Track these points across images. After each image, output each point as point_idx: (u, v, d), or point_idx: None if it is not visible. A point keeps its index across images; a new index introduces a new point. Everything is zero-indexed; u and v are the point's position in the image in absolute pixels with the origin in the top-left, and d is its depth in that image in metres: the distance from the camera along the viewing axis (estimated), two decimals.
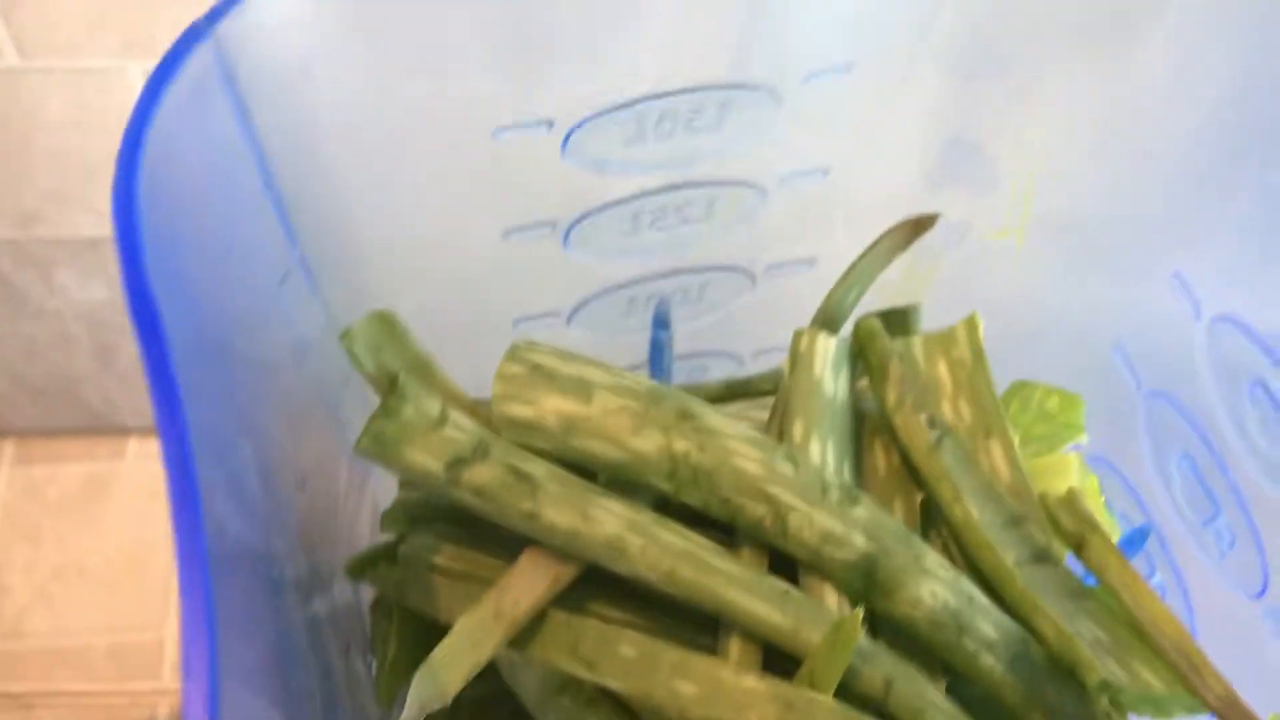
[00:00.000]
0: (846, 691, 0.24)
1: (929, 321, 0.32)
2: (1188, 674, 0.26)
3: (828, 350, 0.29)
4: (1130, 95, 0.28)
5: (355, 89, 0.24)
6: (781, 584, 0.26)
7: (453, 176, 0.26)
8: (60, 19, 0.55)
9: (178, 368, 0.17)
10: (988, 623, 0.26)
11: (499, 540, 0.28)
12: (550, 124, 0.26)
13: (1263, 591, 0.27)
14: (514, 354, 0.27)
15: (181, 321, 0.18)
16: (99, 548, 0.78)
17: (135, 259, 0.17)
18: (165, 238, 0.18)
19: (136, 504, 0.80)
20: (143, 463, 0.82)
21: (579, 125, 0.26)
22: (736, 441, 0.26)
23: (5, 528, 0.78)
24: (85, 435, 0.82)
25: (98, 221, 0.65)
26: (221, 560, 0.18)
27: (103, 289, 0.70)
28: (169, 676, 0.73)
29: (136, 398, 0.80)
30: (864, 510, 0.26)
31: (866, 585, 0.26)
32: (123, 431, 0.82)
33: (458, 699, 0.32)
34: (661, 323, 0.32)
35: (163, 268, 0.18)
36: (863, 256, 0.31)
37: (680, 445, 0.26)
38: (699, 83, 0.26)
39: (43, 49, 0.55)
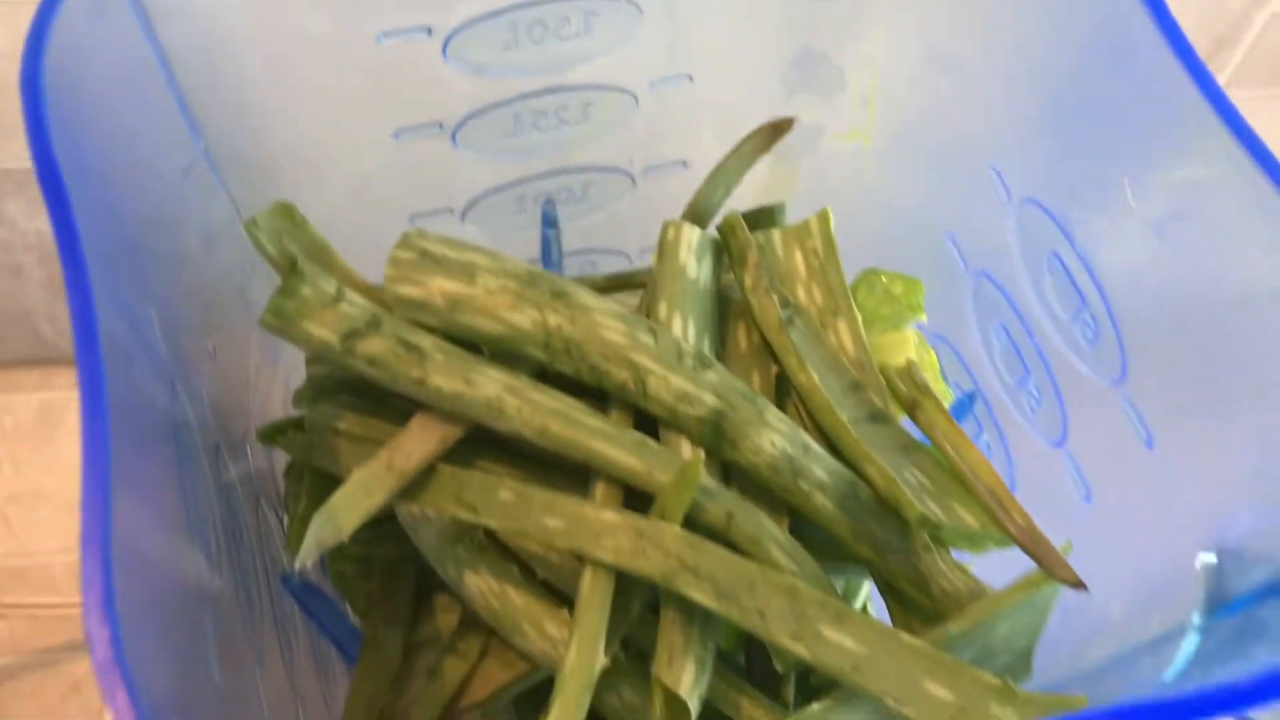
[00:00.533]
0: (693, 524, 0.28)
1: (795, 219, 0.35)
2: (996, 511, 0.29)
3: (691, 239, 0.32)
4: (954, 14, 0.31)
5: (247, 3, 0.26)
6: (640, 435, 0.29)
7: (343, 79, 0.29)
8: None
9: (86, 242, 0.20)
10: (820, 468, 0.29)
11: (395, 410, 0.31)
12: (429, 30, 0.29)
13: (1063, 440, 0.30)
14: (405, 241, 0.30)
15: (90, 204, 0.21)
16: (56, 473, 0.80)
17: (42, 136, 0.20)
18: (71, 121, 0.21)
19: None
20: None
21: (455, 32, 0.29)
22: (604, 315, 0.30)
23: None
24: (39, 365, 0.84)
25: None
26: (129, 415, 0.20)
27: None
28: None
29: None
30: (714, 374, 0.30)
31: (715, 437, 0.29)
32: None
33: (371, 561, 0.35)
34: (549, 221, 0.35)
35: (69, 151, 0.20)
36: (727, 157, 0.34)
37: (553, 319, 0.29)
38: None
39: None
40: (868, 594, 0.35)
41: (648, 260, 0.40)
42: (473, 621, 0.33)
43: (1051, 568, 0.28)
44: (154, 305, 0.24)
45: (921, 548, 0.29)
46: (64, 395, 0.83)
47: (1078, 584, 0.27)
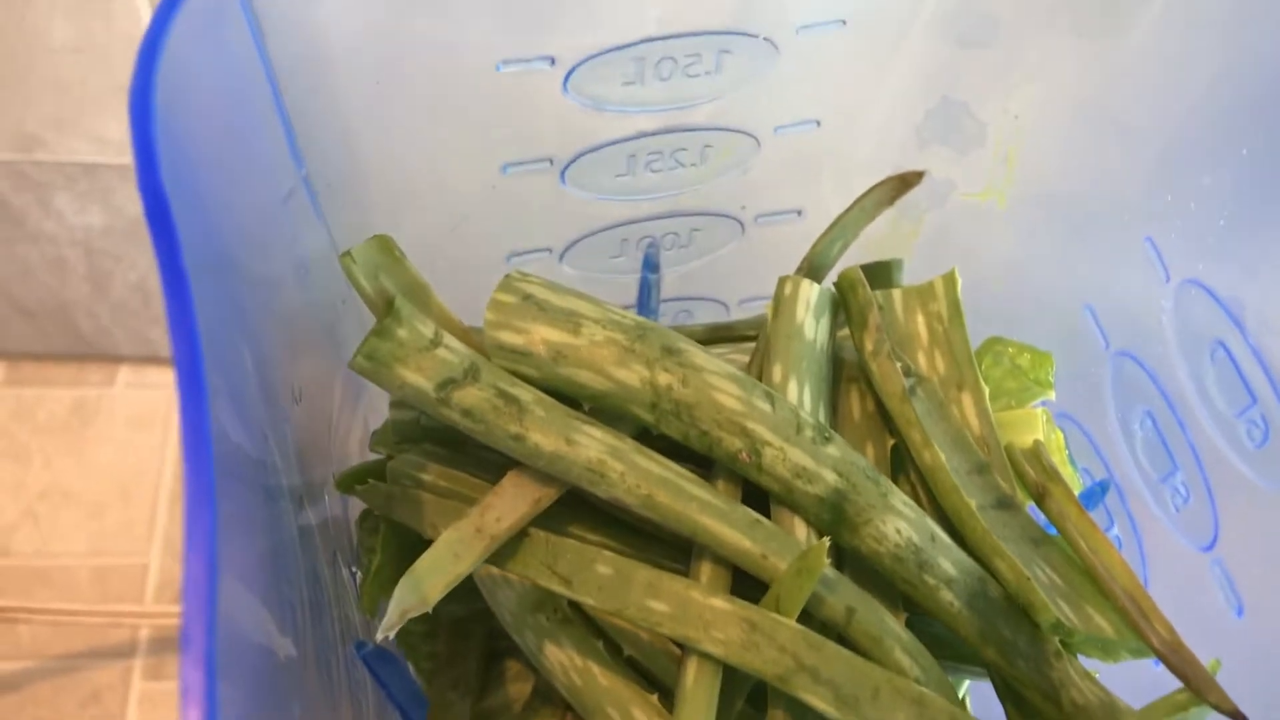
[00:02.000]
0: (809, 618, 0.25)
1: (911, 278, 0.33)
2: (1136, 619, 0.27)
3: (810, 296, 0.30)
4: (1114, 73, 0.29)
5: (364, 16, 0.24)
6: (753, 513, 0.27)
7: (455, 108, 0.27)
8: None
9: (189, 269, 0.18)
10: (948, 560, 0.27)
11: (483, 463, 0.29)
12: (552, 60, 0.26)
13: (1212, 545, 0.28)
14: (508, 284, 0.28)
15: (191, 227, 0.19)
16: (86, 473, 0.79)
17: (149, 156, 0.18)
18: (178, 140, 0.19)
19: (125, 432, 0.81)
20: (132, 391, 0.83)
21: (581, 63, 0.26)
22: (718, 378, 0.27)
23: None
24: (76, 361, 0.83)
25: (97, 148, 0.66)
26: (222, 461, 0.19)
27: (99, 215, 0.71)
28: (152, 600, 0.74)
29: (129, 326, 0.81)
30: (836, 449, 0.27)
31: (834, 519, 0.27)
32: (114, 359, 0.83)
33: (438, 620, 0.33)
34: (651, 265, 0.33)
35: (175, 171, 0.18)
36: (849, 209, 0.32)
37: (663, 378, 0.27)
38: (699, 28, 0.27)
39: None
40: (967, 690, 0.32)
41: (746, 311, 0.38)
42: (547, 694, 0.31)
43: (1202, 689, 0.25)
44: (246, 341, 0.21)
45: (1053, 654, 0.27)
46: (97, 392, 0.82)
47: (1233, 711, 0.25)
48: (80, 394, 0.81)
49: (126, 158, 0.66)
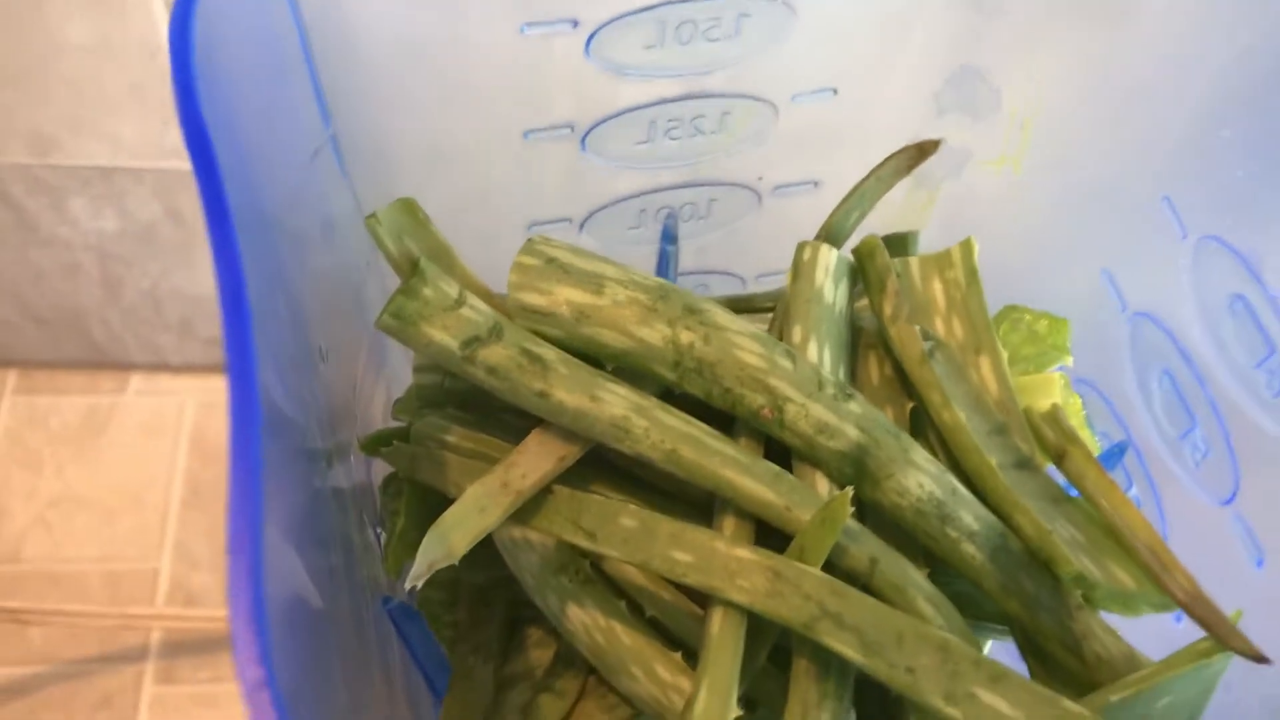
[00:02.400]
0: (833, 568, 0.25)
1: (927, 247, 0.33)
2: (1158, 572, 0.27)
3: (829, 261, 0.30)
4: (1130, 36, 0.29)
5: None
6: (775, 467, 0.27)
7: (479, 71, 0.27)
8: None
9: (238, 234, 0.18)
10: (969, 514, 0.27)
11: (507, 427, 0.29)
12: (575, 22, 0.27)
13: (1232, 498, 0.28)
14: (530, 247, 0.28)
15: (228, 171, 0.19)
16: (98, 479, 0.79)
17: (191, 98, 0.18)
18: (215, 81, 0.19)
19: (136, 439, 0.81)
20: (143, 399, 0.83)
21: (603, 25, 0.27)
22: (739, 335, 0.27)
23: (6, 454, 0.79)
24: (88, 368, 0.83)
25: (112, 151, 0.66)
26: (264, 420, 0.19)
27: (113, 219, 0.71)
28: (163, 603, 0.74)
29: (140, 334, 0.81)
30: (857, 405, 0.27)
31: (857, 474, 0.27)
32: (125, 367, 0.83)
33: (459, 588, 0.33)
34: (669, 236, 0.33)
35: (212, 109, 0.19)
36: (866, 178, 0.32)
37: (685, 337, 0.27)
38: None
39: None
40: (989, 650, 0.32)
41: (762, 285, 0.38)
42: (569, 659, 0.31)
43: (1224, 636, 0.26)
44: (283, 295, 0.22)
45: (1074, 607, 0.27)
46: (110, 400, 0.82)
47: (1257, 655, 0.25)
48: (92, 401, 0.81)
49: (141, 160, 0.66)
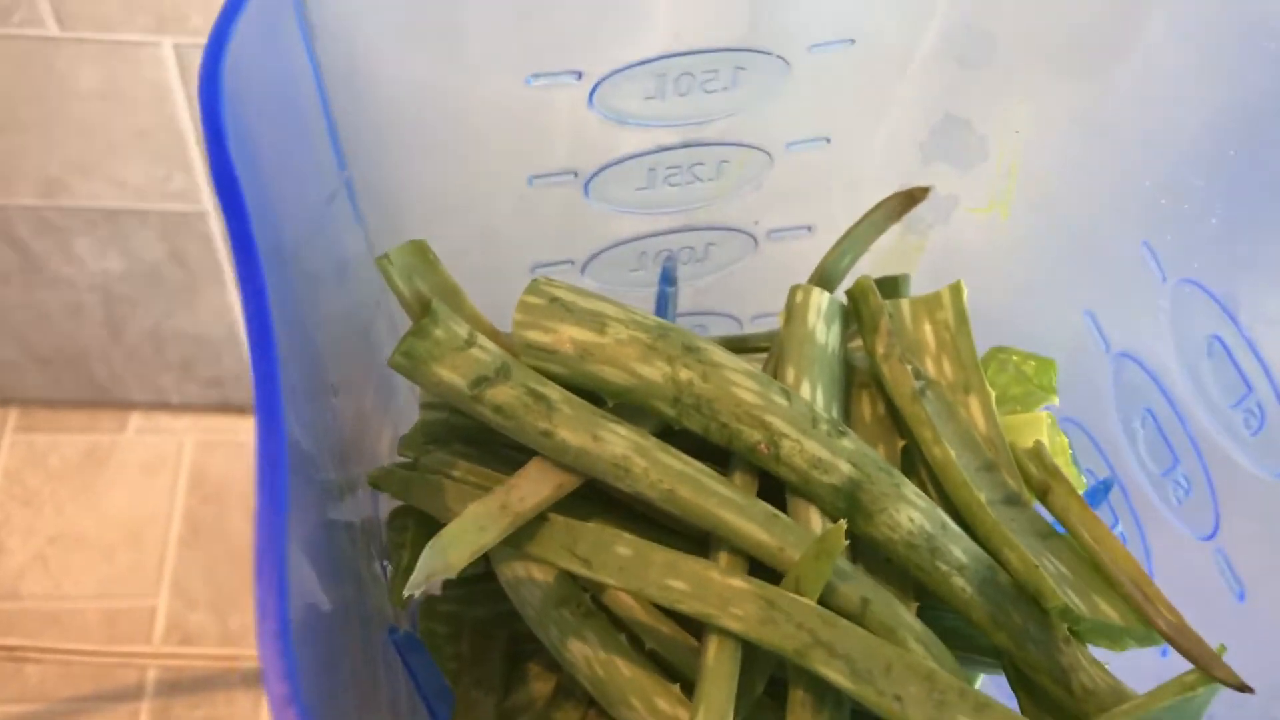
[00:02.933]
0: (825, 606, 0.26)
1: (918, 290, 0.34)
2: (1142, 604, 0.28)
3: (821, 303, 0.31)
4: (1111, 89, 0.31)
5: (406, 30, 0.26)
6: (770, 508, 0.28)
7: (487, 120, 0.29)
8: None
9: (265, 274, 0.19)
10: (959, 548, 0.28)
11: (509, 462, 0.30)
12: (579, 74, 0.28)
13: (1214, 533, 0.29)
14: (535, 287, 0.29)
15: (254, 216, 0.20)
16: (96, 518, 0.80)
17: (221, 145, 0.19)
18: (240, 131, 0.20)
19: (135, 478, 0.82)
20: (143, 438, 0.84)
21: (606, 77, 0.28)
22: (736, 373, 0.28)
23: (6, 492, 0.80)
24: (88, 407, 0.84)
25: (118, 193, 0.67)
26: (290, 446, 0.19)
27: (118, 260, 0.72)
28: (160, 641, 0.74)
29: (141, 374, 0.82)
30: (850, 442, 0.28)
31: (849, 508, 0.28)
32: (126, 406, 0.84)
33: (461, 622, 0.34)
34: (668, 278, 0.34)
35: (239, 156, 0.20)
36: (858, 223, 0.33)
37: (684, 374, 0.28)
38: (715, 44, 0.28)
39: (81, 21, 0.57)
40: (980, 684, 0.33)
41: (758, 326, 0.39)
42: (569, 691, 0.32)
43: (1208, 666, 0.26)
44: (299, 333, 0.23)
45: (1062, 640, 0.28)
46: (110, 439, 0.83)
47: (1241, 685, 0.26)
48: (93, 439, 0.82)
49: (146, 202, 0.67)
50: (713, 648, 0.26)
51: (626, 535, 0.28)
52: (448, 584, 0.34)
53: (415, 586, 0.25)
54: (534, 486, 0.28)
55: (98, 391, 0.84)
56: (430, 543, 0.26)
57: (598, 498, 0.30)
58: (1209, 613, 0.28)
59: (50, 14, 0.57)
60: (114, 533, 0.81)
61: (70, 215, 0.70)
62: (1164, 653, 0.30)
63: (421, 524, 0.31)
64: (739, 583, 0.26)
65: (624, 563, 0.27)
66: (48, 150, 0.65)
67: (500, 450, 0.31)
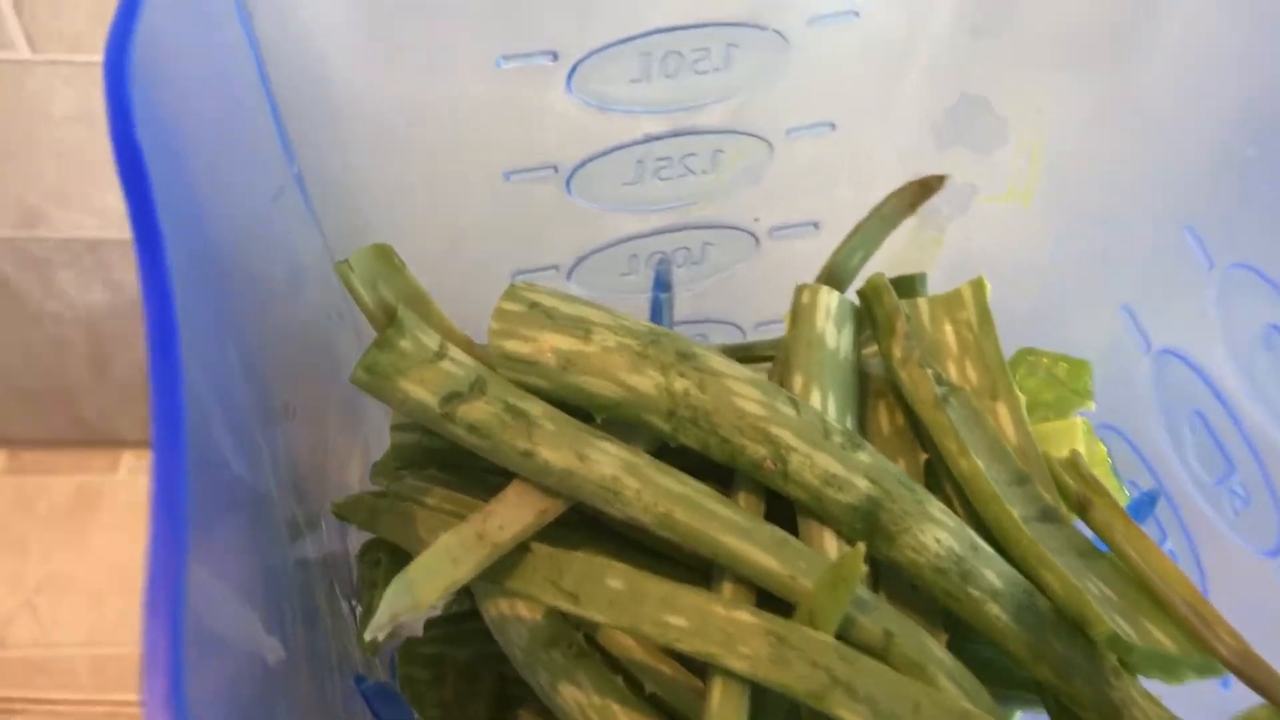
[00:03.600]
0: (845, 641, 0.23)
1: (935, 290, 0.31)
2: (1200, 629, 0.25)
3: (830, 304, 0.28)
4: (1142, 55, 0.28)
5: (357, 6, 0.23)
6: (780, 531, 0.25)
7: (453, 106, 0.26)
8: (71, 12, 0.55)
9: (171, 268, 0.17)
10: (992, 572, 0.25)
11: (493, 488, 0.27)
12: (554, 55, 0.25)
13: (1277, 549, 0.26)
14: (512, 293, 0.26)
15: (171, 211, 0.17)
16: (87, 561, 0.77)
17: (126, 124, 0.17)
18: (157, 120, 0.18)
19: (127, 519, 0.80)
20: (135, 477, 0.82)
21: (584, 58, 0.25)
22: (737, 382, 0.26)
23: None
24: (78, 447, 0.82)
25: (100, 223, 0.65)
26: (204, 470, 0.17)
27: (100, 293, 0.70)
28: None
29: (131, 411, 0.80)
30: (867, 455, 0.25)
31: (868, 529, 0.25)
32: (116, 444, 0.82)
33: (444, 664, 0.31)
34: (662, 283, 0.31)
35: (153, 142, 0.17)
36: (869, 217, 0.30)
37: (679, 384, 0.25)
38: (706, 19, 0.26)
39: (53, 42, 0.55)
40: None
41: (762, 334, 0.36)
42: None
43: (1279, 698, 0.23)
44: (236, 348, 0.20)
45: (1111, 672, 0.25)
46: (99, 479, 0.80)
47: None
48: (82, 481, 0.80)
49: (128, 231, 0.65)
50: (717, 691, 0.23)
51: (618, 565, 0.25)
52: (430, 622, 0.31)
53: (379, 629, 0.22)
54: (514, 513, 0.25)
55: (87, 431, 0.82)
56: (395, 579, 0.23)
57: (586, 524, 0.27)
58: (1274, 637, 0.25)
59: (20, 35, 0.55)
60: (104, 577, 0.78)
61: (51, 247, 0.68)
62: (1225, 684, 0.27)
63: (395, 558, 0.28)
64: (745, 616, 0.23)
65: (615, 596, 0.24)
66: (24, 179, 0.63)
67: (482, 475, 0.28)
